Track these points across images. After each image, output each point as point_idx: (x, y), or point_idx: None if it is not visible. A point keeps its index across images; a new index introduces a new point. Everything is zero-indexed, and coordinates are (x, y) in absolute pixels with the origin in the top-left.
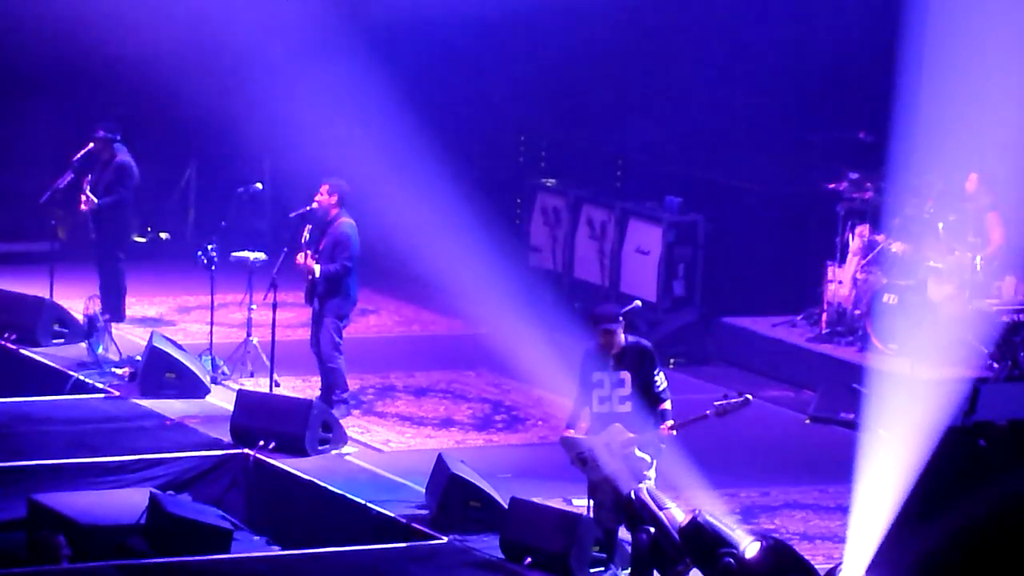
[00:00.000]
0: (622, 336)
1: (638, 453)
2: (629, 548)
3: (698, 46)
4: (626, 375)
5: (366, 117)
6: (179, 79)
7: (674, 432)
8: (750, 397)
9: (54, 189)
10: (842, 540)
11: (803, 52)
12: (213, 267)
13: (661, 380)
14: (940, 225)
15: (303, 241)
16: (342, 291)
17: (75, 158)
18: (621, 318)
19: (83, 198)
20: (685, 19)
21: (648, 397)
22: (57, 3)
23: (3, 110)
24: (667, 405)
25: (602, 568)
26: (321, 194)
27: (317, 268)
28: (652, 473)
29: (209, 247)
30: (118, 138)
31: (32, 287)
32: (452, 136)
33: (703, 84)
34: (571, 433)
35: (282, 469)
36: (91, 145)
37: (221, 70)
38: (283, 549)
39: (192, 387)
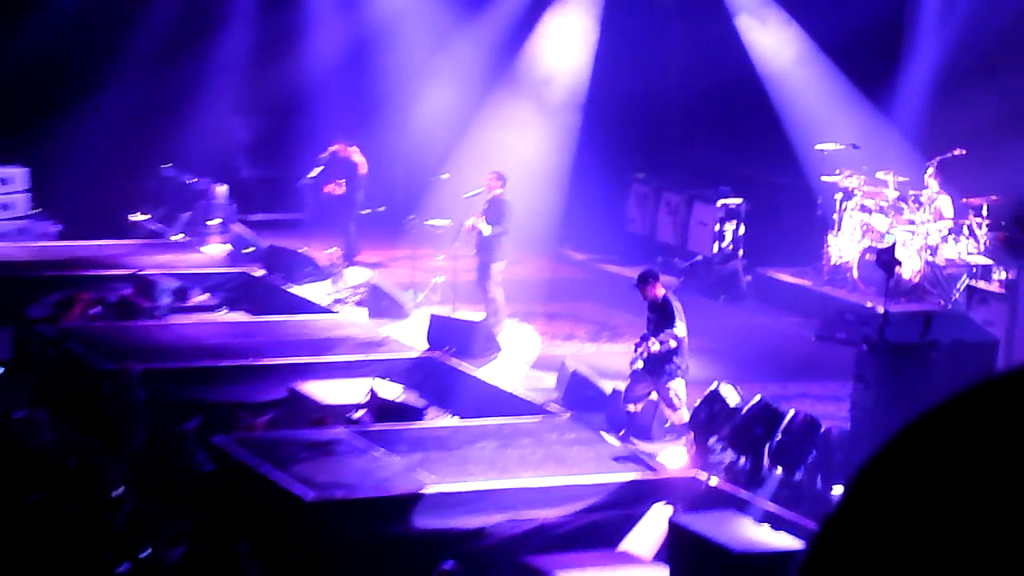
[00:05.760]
0: (658, 291)
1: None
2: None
3: (746, 84)
4: (653, 319)
5: (518, 121)
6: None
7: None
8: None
9: (307, 177)
10: (842, 419)
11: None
12: (414, 230)
13: (670, 327)
14: (904, 206)
15: (483, 211)
16: (501, 246)
17: (321, 155)
18: (650, 278)
19: (330, 186)
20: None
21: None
22: None
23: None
24: (653, 341)
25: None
26: (491, 179)
27: (488, 228)
28: (677, 385)
29: (412, 216)
30: (354, 144)
31: (289, 244)
32: (572, 142)
33: (748, 114)
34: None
35: (458, 368)
36: (336, 147)
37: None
38: (461, 419)
39: (399, 311)
